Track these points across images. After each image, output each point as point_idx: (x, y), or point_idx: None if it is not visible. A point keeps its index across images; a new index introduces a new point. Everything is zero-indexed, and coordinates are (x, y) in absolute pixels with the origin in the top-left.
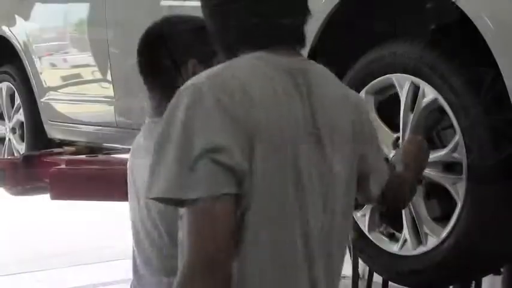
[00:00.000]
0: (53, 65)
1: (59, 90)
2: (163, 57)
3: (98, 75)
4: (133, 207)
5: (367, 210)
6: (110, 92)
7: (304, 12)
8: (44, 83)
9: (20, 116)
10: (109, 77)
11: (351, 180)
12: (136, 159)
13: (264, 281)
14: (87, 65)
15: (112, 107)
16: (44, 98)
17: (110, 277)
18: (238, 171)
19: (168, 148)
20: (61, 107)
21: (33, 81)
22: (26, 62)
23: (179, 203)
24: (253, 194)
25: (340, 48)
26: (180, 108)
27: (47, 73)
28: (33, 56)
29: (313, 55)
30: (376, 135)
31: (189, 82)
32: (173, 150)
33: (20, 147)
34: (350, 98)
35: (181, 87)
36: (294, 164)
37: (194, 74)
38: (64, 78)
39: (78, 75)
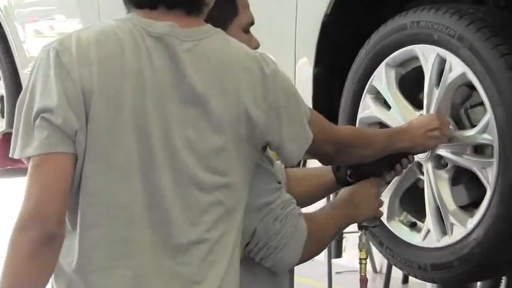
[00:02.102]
0: (38, 33)
1: None
2: None
3: None
4: None
5: (385, 197)
6: None
7: None
8: (27, 52)
9: (0, 89)
10: None
11: (226, 149)
12: None
13: (99, 246)
14: None
15: None
16: (26, 70)
17: None
18: (69, 130)
19: (20, 111)
20: None
21: (15, 51)
22: (7, 29)
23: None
24: (88, 155)
25: (357, 17)
26: (32, 70)
27: (30, 41)
28: (15, 23)
29: (326, 24)
30: (289, 103)
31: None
32: (23, 112)
33: (0, 124)
34: (251, 69)
35: None
36: (139, 126)
37: None
38: None
39: None
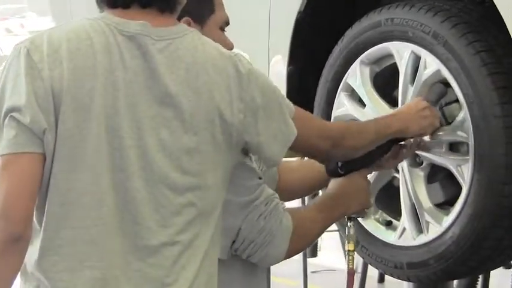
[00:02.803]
0: (8, 31)
1: None
2: None
3: None
4: None
5: None
6: None
7: None
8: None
9: None
10: None
11: (200, 149)
12: None
13: (67, 246)
14: None
15: None
16: None
17: None
18: (37, 130)
19: None
20: None
21: None
22: None
23: None
24: (56, 155)
25: (330, 14)
26: (3, 69)
27: (1, 39)
28: None
29: (300, 22)
30: (267, 102)
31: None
32: None
33: None
34: (225, 69)
35: None
36: (110, 127)
37: None
38: None
39: None
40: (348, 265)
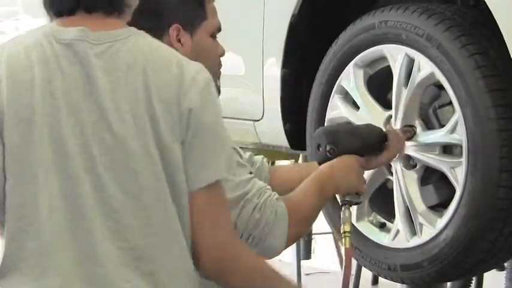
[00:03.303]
0: (2, 33)
1: None
2: (141, 20)
3: None
4: None
5: None
6: None
7: None
8: None
9: None
10: None
11: (138, 153)
12: None
13: (26, 258)
14: None
15: None
16: None
17: None
18: None
19: None
20: None
21: None
22: None
23: None
24: (7, 171)
25: (325, 17)
26: None
27: None
28: None
29: (294, 25)
30: (208, 124)
31: None
32: None
33: None
34: (168, 69)
35: None
36: (54, 137)
37: (179, 41)
38: None
39: None
40: (345, 246)
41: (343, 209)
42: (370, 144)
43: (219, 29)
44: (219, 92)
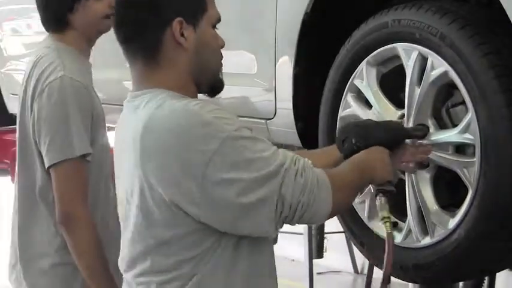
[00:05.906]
0: (15, 31)
1: (21, 60)
2: (145, 13)
3: None
4: None
5: (366, 196)
6: None
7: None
8: (4, 51)
9: None
10: None
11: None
12: None
13: None
14: None
15: None
16: (4, 69)
17: None
18: None
19: None
20: None
21: None
22: None
23: None
24: None
25: (337, 15)
26: None
27: (7, 40)
28: None
29: (307, 23)
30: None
31: None
32: None
33: None
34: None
35: None
36: None
37: (182, 35)
38: (27, 46)
39: None
40: (387, 230)
41: (378, 197)
42: (395, 138)
43: (218, 19)
44: (222, 85)
